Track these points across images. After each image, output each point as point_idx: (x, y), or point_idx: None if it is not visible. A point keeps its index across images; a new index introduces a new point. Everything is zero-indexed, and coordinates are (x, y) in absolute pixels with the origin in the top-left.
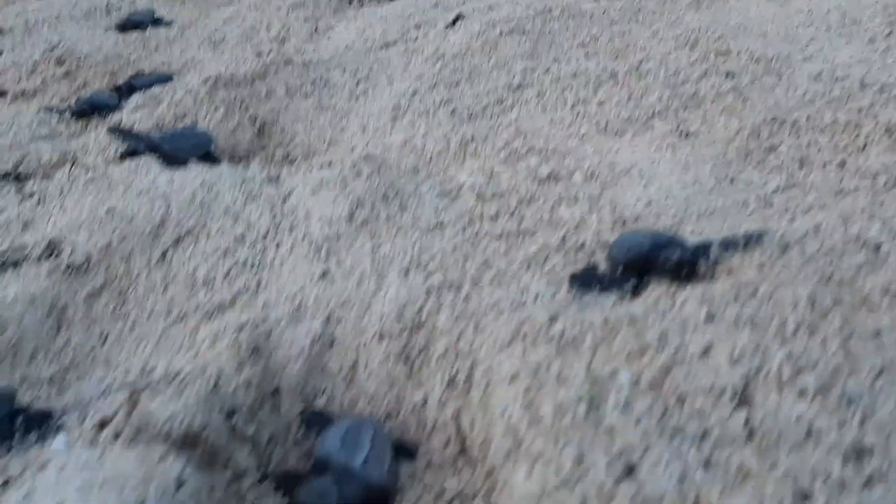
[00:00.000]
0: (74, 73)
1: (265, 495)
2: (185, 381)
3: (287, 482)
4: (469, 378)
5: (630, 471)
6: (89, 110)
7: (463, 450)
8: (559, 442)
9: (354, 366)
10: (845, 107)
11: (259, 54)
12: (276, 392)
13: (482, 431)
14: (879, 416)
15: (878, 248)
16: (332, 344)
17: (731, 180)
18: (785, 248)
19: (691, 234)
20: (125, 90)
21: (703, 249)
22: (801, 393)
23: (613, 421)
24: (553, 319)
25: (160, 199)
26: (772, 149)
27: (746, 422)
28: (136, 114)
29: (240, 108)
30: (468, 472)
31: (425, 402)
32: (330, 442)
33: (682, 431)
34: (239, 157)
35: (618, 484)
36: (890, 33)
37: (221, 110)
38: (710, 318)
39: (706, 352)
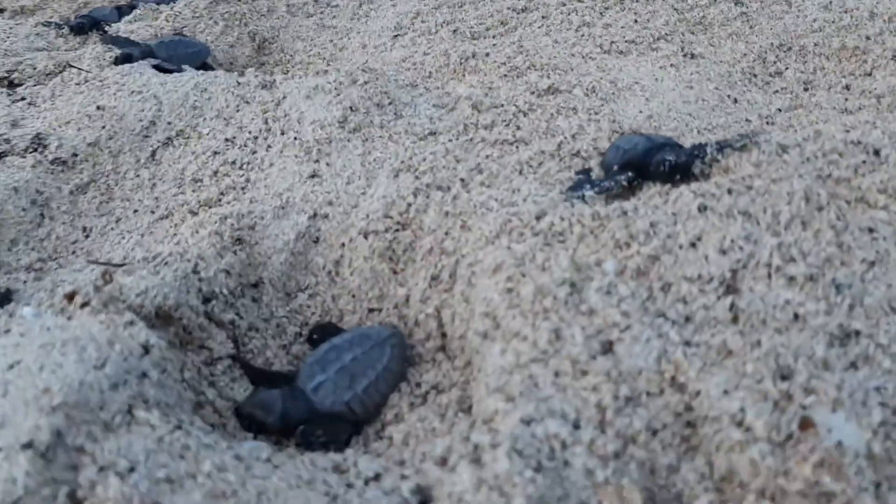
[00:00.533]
0: None
1: (237, 383)
2: (164, 262)
3: (261, 378)
4: (453, 274)
5: (608, 348)
6: (88, 26)
7: (443, 345)
8: (537, 320)
9: (339, 262)
10: (853, 34)
11: None
12: (258, 283)
13: (462, 323)
14: (868, 303)
15: (878, 151)
16: (317, 240)
17: (735, 100)
18: (783, 149)
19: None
20: (127, 8)
21: (699, 150)
22: (791, 281)
23: (594, 303)
24: (541, 215)
25: (152, 99)
26: (777, 73)
27: (732, 306)
28: (132, 25)
29: (239, 23)
30: (446, 366)
31: (408, 298)
32: (314, 354)
33: (665, 315)
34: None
35: (593, 359)
36: None
37: (220, 25)
38: (701, 209)
39: (695, 242)
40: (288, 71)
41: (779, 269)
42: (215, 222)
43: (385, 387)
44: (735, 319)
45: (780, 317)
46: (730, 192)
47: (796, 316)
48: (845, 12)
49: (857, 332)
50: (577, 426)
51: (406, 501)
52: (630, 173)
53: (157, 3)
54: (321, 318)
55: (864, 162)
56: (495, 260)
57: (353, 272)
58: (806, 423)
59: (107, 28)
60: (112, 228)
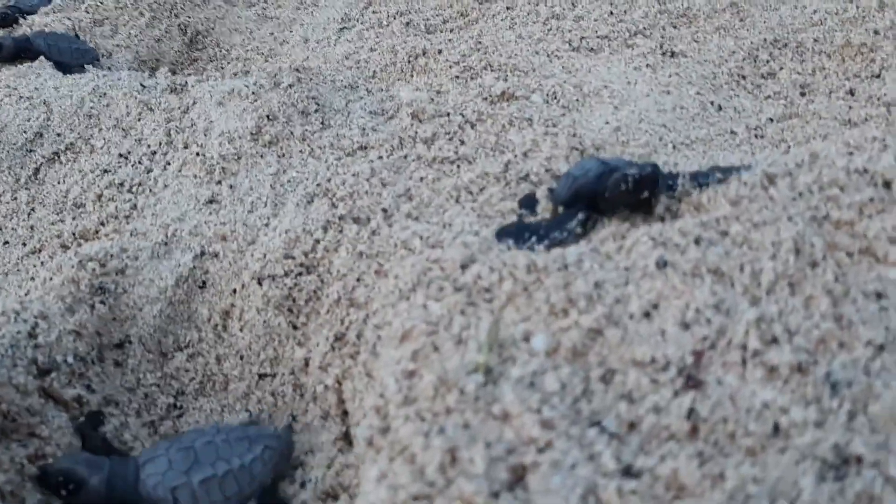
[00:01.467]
0: None
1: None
2: None
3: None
4: (361, 334)
5: (517, 478)
6: (12, 17)
7: (346, 430)
8: (432, 430)
9: (228, 314)
10: (860, 28)
11: None
12: (123, 343)
13: (361, 406)
14: (875, 411)
15: (888, 184)
16: (203, 285)
17: (720, 107)
18: (770, 180)
19: (664, 167)
20: None
21: (669, 177)
22: (771, 372)
23: (510, 403)
24: (467, 263)
25: (41, 106)
26: (770, 74)
27: (691, 412)
28: (48, 17)
29: (169, 14)
30: (343, 459)
31: (307, 362)
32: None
33: (601, 423)
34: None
35: (495, 497)
36: None
37: (147, 16)
38: (661, 265)
39: (650, 311)
40: (223, 68)
41: (756, 353)
42: (72, 266)
43: (236, 489)
44: (694, 432)
45: (754, 429)
46: (698, 241)
47: (776, 429)
48: (850, 2)
49: (859, 459)
50: None
51: None
52: (581, 215)
53: None
54: (202, 383)
55: (871, 199)
56: (404, 325)
57: (244, 327)
58: None
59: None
60: None
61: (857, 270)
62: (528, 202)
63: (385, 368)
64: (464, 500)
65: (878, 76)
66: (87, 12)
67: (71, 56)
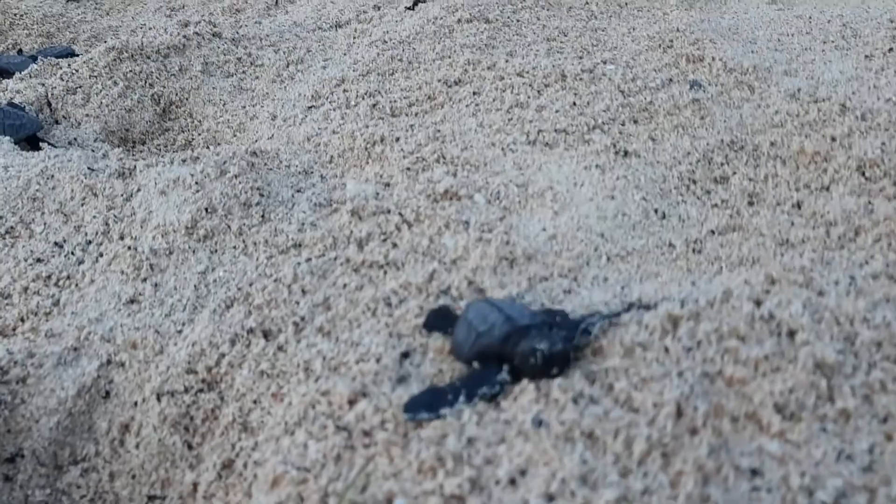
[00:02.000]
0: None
1: None
2: None
3: None
4: (245, 466)
5: None
6: None
7: None
8: None
9: (127, 427)
10: (818, 133)
11: (185, 24)
12: (14, 457)
13: None
14: None
15: (792, 334)
16: (107, 395)
17: (664, 215)
18: (674, 324)
19: (591, 285)
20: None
21: (585, 326)
22: None
23: None
24: (354, 399)
25: None
26: (722, 178)
27: None
28: (22, 83)
29: (143, 84)
30: None
31: (195, 487)
32: None
33: None
34: (133, 142)
35: None
36: (890, 50)
37: (120, 85)
38: (537, 424)
39: (517, 477)
40: (191, 141)
41: None
42: None
43: None
44: None
45: None
46: (576, 400)
47: None
48: (814, 102)
49: None
50: None
51: None
52: (500, 379)
53: (57, 57)
54: (93, 501)
55: (768, 356)
56: (275, 469)
57: (140, 443)
58: None
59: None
60: None
61: (738, 440)
62: (438, 320)
63: None
64: None
65: (827, 189)
66: (62, 79)
67: (9, 131)
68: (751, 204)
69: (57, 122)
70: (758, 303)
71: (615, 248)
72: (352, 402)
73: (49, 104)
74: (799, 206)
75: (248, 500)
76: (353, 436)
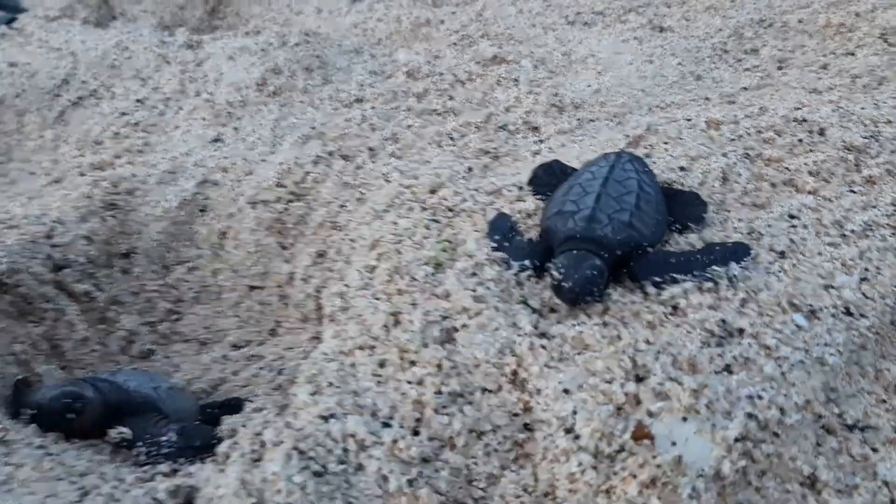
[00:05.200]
0: None
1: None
2: (15, 225)
3: None
4: (339, 250)
5: (447, 336)
6: None
7: (319, 330)
8: (380, 301)
9: (224, 234)
10: (842, 9)
11: None
12: (129, 254)
13: (331, 300)
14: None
15: (823, 131)
16: (204, 209)
17: (699, 77)
18: (716, 125)
19: (634, 129)
20: None
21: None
22: None
23: (452, 285)
24: (435, 188)
25: (68, 56)
26: (753, 50)
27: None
28: None
29: None
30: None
31: (291, 276)
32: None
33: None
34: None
35: (425, 347)
36: None
37: None
38: None
39: None
40: (236, 35)
41: None
42: (88, 185)
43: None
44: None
45: None
46: None
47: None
48: None
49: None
50: (386, 424)
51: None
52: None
53: None
54: (199, 293)
55: (802, 140)
56: (373, 235)
57: (238, 245)
58: (640, 433)
59: None
60: (3, 191)
61: (778, 199)
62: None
63: (356, 267)
64: (400, 349)
65: (852, 54)
66: None
67: None
68: (780, 68)
69: (114, 18)
70: (793, 110)
71: (655, 101)
72: (433, 191)
73: (106, 1)
74: (825, 67)
75: (347, 266)
76: (438, 212)
